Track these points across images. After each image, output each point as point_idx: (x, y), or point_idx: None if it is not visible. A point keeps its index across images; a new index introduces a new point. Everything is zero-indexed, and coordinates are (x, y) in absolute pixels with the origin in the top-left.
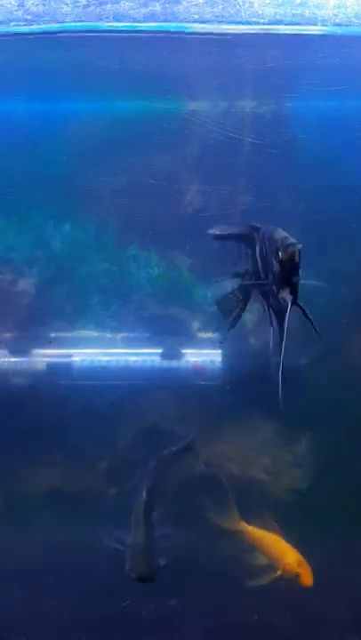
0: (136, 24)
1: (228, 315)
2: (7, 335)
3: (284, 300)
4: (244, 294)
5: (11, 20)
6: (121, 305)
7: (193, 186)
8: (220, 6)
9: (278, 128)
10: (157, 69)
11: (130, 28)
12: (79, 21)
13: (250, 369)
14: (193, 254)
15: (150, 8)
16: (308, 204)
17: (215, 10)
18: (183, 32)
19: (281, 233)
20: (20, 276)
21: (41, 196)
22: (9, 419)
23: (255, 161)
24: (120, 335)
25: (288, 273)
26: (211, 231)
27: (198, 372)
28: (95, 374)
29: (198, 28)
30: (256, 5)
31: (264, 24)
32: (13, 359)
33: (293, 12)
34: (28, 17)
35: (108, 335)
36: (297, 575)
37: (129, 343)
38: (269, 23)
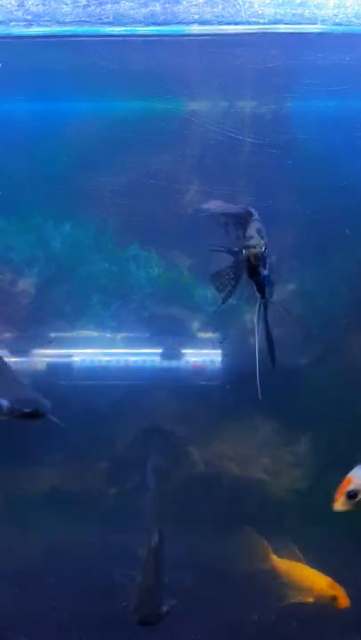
0: (136, 25)
1: (221, 290)
2: (7, 335)
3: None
4: (235, 274)
5: (11, 20)
6: (121, 305)
7: (193, 186)
8: (220, 6)
9: (278, 128)
10: (157, 69)
11: (130, 31)
12: (79, 21)
13: (250, 369)
14: (193, 254)
15: (150, 8)
16: (308, 203)
17: (215, 10)
18: (183, 32)
19: (252, 230)
20: (20, 276)
21: (41, 195)
22: (9, 419)
23: (255, 161)
24: (120, 335)
25: (250, 272)
26: (205, 205)
27: (198, 371)
28: (95, 374)
29: (198, 28)
30: (256, 5)
31: (264, 24)
32: (13, 359)
33: (293, 12)
34: (28, 17)
35: (108, 335)
36: (333, 598)
37: (129, 343)
38: (269, 23)
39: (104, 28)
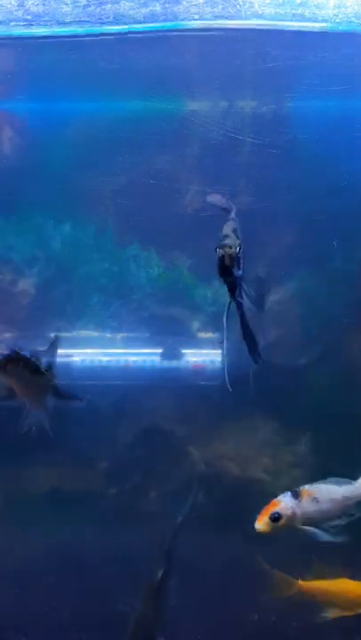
0: (136, 25)
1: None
2: (7, 335)
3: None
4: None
5: (11, 20)
6: (121, 305)
7: (193, 186)
8: (221, 6)
9: (278, 128)
10: (157, 69)
11: (130, 30)
12: (79, 21)
13: (250, 369)
14: (193, 254)
15: (150, 8)
16: (308, 203)
17: (215, 10)
18: (183, 32)
19: (228, 229)
20: (20, 276)
21: (41, 195)
22: (9, 419)
23: (255, 161)
24: (120, 335)
25: (222, 271)
26: (209, 198)
27: (198, 372)
28: (95, 374)
29: (198, 27)
30: (256, 5)
31: (264, 24)
32: None
33: (294, 11)
34: (28, 17)
35: (108, 335)
36: None
37: (129, 343)
38: (270, 22)
39: (104, 28)
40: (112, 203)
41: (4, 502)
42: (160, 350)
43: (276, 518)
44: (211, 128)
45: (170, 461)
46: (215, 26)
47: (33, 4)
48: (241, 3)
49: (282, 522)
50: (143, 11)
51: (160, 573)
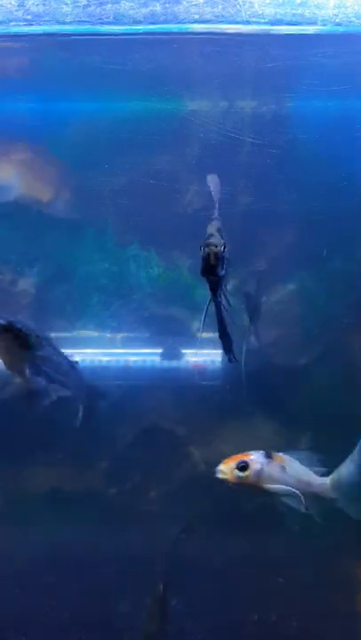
0: (136, 25)
1: None
2: None
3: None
4: None
5: (11, 20)
6: (121, 305)
7: (193, 186)
8: (220, 6)
9: (278, 128)
10: (157, 69)
11: (130, 30)
12: (79, 21)
13: (250, 369)
14: (193, 254)
15: (150, 8)
16: (308, 203)
17: (215, 10)
18: (183, 31)
19: (213, 228)
20: (20, 276)
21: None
22: (9, 419)
23: (255, 161)
24: (120, 335)
25: (204, 270)
26: (209, 177)
27: (198, 372)
28: (95, 374)
29: (198, 28)
30: (256, 5)
31: (264, 24)
32: None
33: (293, 11)
34: (28, 17)
35: (108, 335)
36: None
37: (129, 343)
38: (270, 23)
39: (104, 28)
40: (112, 203)
41: (4, 502)
42: (160, 350)
43: (242, 467)
44: (211, 128)
45: (170, 461)
46: (215, 26)
47: (33, 3)
48: (241, 3)
49: (247, 474)
50: (143, 11)
51: (162, 587)
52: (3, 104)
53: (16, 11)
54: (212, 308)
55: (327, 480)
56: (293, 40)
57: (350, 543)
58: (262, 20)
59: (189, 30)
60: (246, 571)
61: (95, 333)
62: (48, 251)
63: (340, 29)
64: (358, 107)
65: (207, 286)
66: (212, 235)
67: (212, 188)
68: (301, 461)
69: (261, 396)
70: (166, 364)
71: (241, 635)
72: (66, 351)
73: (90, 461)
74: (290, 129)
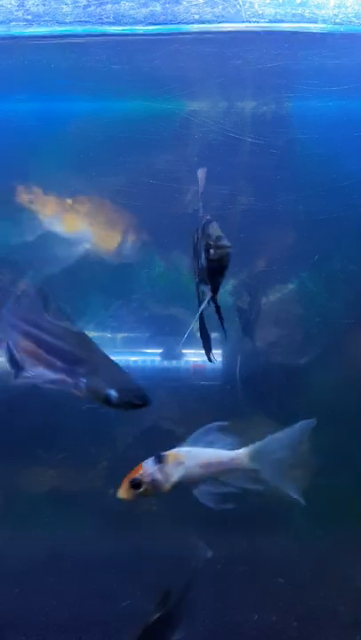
0: (136, 25)
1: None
2: None
3: (203, 293)
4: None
5: (11, 20)
6: (121, 305)
7: (193, 186)
8: (220, 6)
9: (278, 128)
10: (157, 69)
11: (130, 30)
12: (79, 21)
13: (250, 369)
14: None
15: (150, 8)
16: (308, 203)
17: (215, 10)
18: (183, 32)
19: (216, 229)
20: (20, 276)
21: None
22: (9, 418)
23: (255, 161)
24: (120, 335)
25: (214, 272)
26: (200, 171)
27: (198, 372)
28: None
29: (198, 28)
30: (256, 5)
31: (264, 24)
32: None
33: (293, 11)
34: (29, 17)
35: (108, 335)
36: None
37: (129, 343)
38: (269, 23)
39: (104, 28)
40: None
41: (4, 502)
42: (160, 350)
43: (136, 485)
44: (211, 128)
45: None
46: (215, 26)
47: (33, 4)
48: (241, 3)
49: (145, 488)
50: (143, 11)
51: (162, 596)
52: (3, 104)
53: (16, 11)
54: (199, 308)
55: (242, 450)
56: (293, 40)
57: (350, 543)
58: (262, 20)
59: (189, 30)
60: (246, 571)
61: (95, 333)
62: (48, 250)
63: (341, 29)
64: (358, 107)
65: (203, 287)
66: (220, 236)
67: (200, 182)
68: (212, 443)
69: (261, 396)
70: (166, 363)
71: (241, 635)
72: None
73: (90, 461)
74: (290, 129)
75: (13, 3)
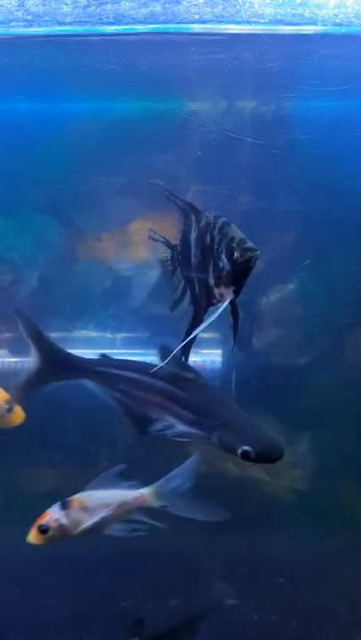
0: (136, 25)
1: (165, 278)
2: (7, 335)
3: (221, 296)
4: (173, 267)
5: (11, 20)
6: (121, 305)
7: (193, 186)
8: (220, 6)
9: (278, 128)
10: (157, 69)
11: (130, 30)
12: (79, 21)
13: (250, 369)
14: None
15: (150, 8)
16: (308, 203)
17: (215, 10)
18: (183, 32)
19: (237, 230)
20: (20, 276)
21: (41, 196)
22: None
23: (255, 161)
24: (120, 335)
25: (239, 275)
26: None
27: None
28: None
29: (198, 28)
30: (256, 5)
31: (264, 24)
32: (13, 359)
33: (293, 11)
34: (29, 17)
35: (108, 335)
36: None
37: (129, 343)
38: (269, 23)
39: (104, 28)
40: (112, 203)
41: (4, 502)
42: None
43: (43, 530)
44: (211, 128)
45: (170, 461)
46: (215, 26)
47: (33, 4)
48: (241, 3)
49: (52, 533)
50: (143, 11)
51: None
52: (3, 104)
53: (16, 11)
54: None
55: (146, 490)
56: (293, 40)
57: (350, 543)
58: (262, 20)
59: (189, 30)
60: (246, 571)
61: (95, 333)
62: (48, 250)
63: (340, 29)
64: (358, 107)
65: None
66: (244, 238)
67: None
68: (113, 483)
69: (261, 396)
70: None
71: (241, 635)
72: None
73: (90, 461)
74: (290, 129)
75: (13, 3)
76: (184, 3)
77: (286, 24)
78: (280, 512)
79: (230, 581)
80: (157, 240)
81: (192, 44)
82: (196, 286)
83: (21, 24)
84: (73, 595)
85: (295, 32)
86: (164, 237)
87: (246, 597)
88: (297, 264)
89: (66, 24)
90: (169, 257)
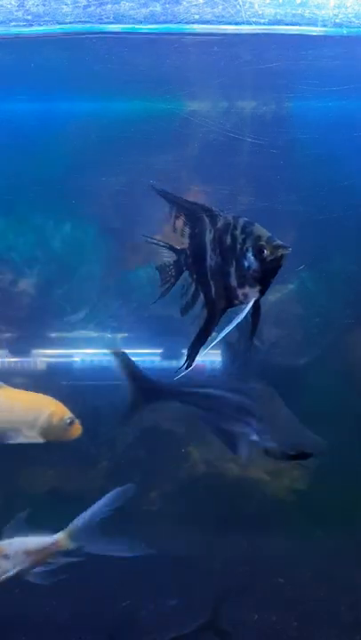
0: (136, 25)
1: (163, 284)
2: (7, 335)
3: (245, 296)
4: (177, 271)
5: (11, 20)
6: (121, 305)
7: (193, 186)
8: (220, 6)
9: (278, 128)
10: (157, 69)
11: (130, 30)
12: (79, 22)
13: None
14: None
15: (150, 8)
16: (309, 203)
17: (215, 10)
18: (183, 32)
19: (262, 229)
20: (20, 276)
21: (41, 195)
22: None
23: (255, 161)
24: (120, 335)
25: (269, 273)
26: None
27: (198, 372)
28: (95, 374)
29: (198, 28)
30: (256, 5)
31: (264, 24)
32: (13, 359)
33: (293, 12)
34: (29, 17)
35: (108, 335)
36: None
37: (129, 343)
38: (269, 23)
39: (104, 28)
40: (112, 203)
41: (4, 502)
42: (160, 350)
43: None
44: (211, 128)
45: (170, 461)
46: (215, 26)
47: (33, 4)
48: (241, 3)
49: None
50: (143, 11)
51: None
52: (3, 104)
53: (16, 11)
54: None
55: (61, 534)
56: (293, 40)
57: (350, 543)
58: (262, 21)
59: (189, 30)
60: (246, 571)
61: (95, 333)
62: (48, 250)
63: (340, 30)
64: (358, 107)
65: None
66: (271, 236)
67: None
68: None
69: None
70: (166, 364)
71: (241, 635)
72: (66, 351)
73: (90, 461)
74: (290, 129)
75: (13, 3)
76: (184, 3)
77: (286, 24)
78: (280, 512)
79: (230, 581)
80: (160, 245)
81: (192, 44)
82: (213, 288)
83: (21, 24)
84: (73, 595)
85: (295, 32)
86: (165, 242)
87: (246, 597)
88: (297, 264)
89: (66, 24)
90: (171, 262)
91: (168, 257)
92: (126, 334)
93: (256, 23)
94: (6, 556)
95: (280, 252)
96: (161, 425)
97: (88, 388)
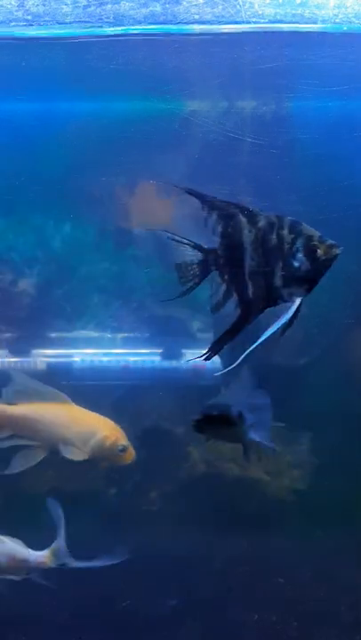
0: (136, 25)
1: (183, 283)
2: (7, 335)
3: (290, 296)
4: (203, 272)
5: (11, 21)
6: (121, 305)
7: (193, 186)
8: (220, 6)
9: (278, 128)
10: (157, 69)
11: (130, 30)
12: (79, 22)
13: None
14: None
15: (150, 8)
16: (309, 203)
17: (215, 10)
18: (183, 32)
19: (311, 228)
20: (20, 276)
21: (41, 195)
22: None
23: (255, 161)
24: (120, 335)
25: (320, 273)
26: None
27: (198, 372)
28: (95, 374)
29: (198, 28)
30: (256, 5)
31: (264, 24)
32: (13, 359)
33: (293, 12)
34: (29, 17)
35: (108, 335)
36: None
37: (129, 343)
38: (269, 23)
39: (104, 29)
40: (112, 203)
41: (4, 502)
42: (160, 350)
43: None
44: (211, 128)
45: (170, 461)
46: (215, 26)
47: (33, 4)
48: (241, 3)
49: None
50: (143, 11)
51: None
52: (3, 104)
53: (16, 11)
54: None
55: (46, 552)
56: (293, 40)
57: (350, 543)
58: (262, 20)
59: (189, 30)
60: (246, 571)
61: (95, 333)
62: (48, 250)
63: (340, 29)
64: (358, 107)
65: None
66: (323, 236)
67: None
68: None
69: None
70: (166, 363)
71: (241, 635)
72: (66, 351)
73: (90, 461)
74: (290, 129)
75: (13, 3)
76: (184, 3)
77: (286, 24)
78: (280, 512)
79: (230, 581)
80: (186, 244)
81: (192, 44)
82: (250, 288)
83: (21, 24)
84: (73, 595)
85: (295, 32)
86: (190, 241)
87: (246, 597)
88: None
89: (66, 24)
90: (195, 261)
91: (192, 256)
92: (126, 334)
93: (256, 23)
94: None
95: (333, 251)
96: (161, 425)
97: (88, 388)
